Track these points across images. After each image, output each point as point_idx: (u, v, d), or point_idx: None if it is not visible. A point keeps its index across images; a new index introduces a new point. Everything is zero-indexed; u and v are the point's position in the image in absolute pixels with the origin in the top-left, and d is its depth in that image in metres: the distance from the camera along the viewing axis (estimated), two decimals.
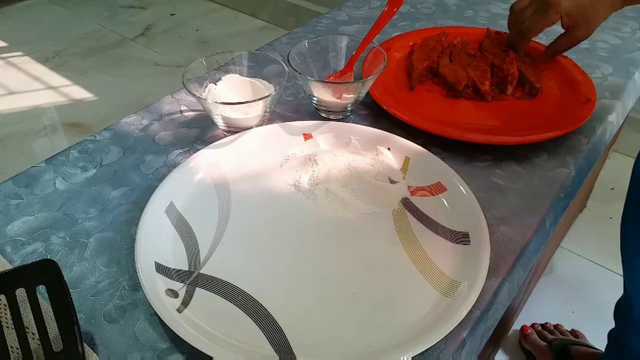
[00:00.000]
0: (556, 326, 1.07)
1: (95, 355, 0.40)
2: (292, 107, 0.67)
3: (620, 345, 0.79)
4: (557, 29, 0.69)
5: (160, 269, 0.45)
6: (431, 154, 0.55)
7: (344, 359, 0.39)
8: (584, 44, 0.81)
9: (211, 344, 0.39)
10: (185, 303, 0.42)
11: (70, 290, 0.39)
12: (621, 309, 0.77)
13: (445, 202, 0.51)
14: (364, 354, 0.39)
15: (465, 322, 0.42)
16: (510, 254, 0.48)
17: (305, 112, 0.66)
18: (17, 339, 0.37)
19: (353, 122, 0.62)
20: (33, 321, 0.37)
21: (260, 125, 0.61)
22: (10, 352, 0.37)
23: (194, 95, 0.57)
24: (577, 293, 1.18)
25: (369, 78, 0.60)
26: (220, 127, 0.61)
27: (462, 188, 0.51)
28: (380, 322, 0.42)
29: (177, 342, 0.41)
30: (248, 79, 0.63)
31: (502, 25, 0.87)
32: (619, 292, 0.76)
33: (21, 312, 0.38)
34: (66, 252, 0.48)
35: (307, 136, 0.59)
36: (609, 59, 0.78)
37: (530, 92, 0.67)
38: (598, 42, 0.82)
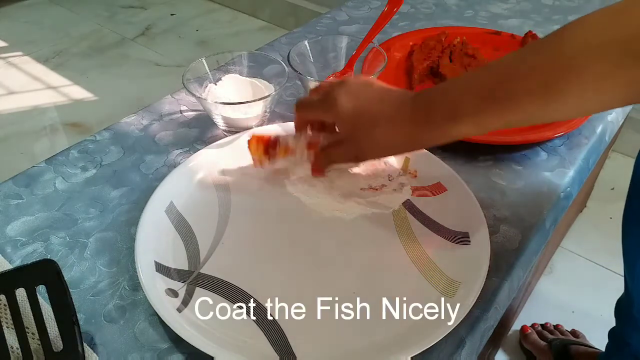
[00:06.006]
0: (556, 326, 1.07)
1: (95, 355, 0.40)
2: (292, 107, 0.67)
3: (621, 343, 0.79)
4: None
5: (160, 268, 0.45)
6: (431, 154, 0.55)
7: (344, 359, 0.39)
8: None
9: (211, 343, 0.39)
10: (185, 303, 0.42)
11: (70, 290, 0.39)
12: (622, 307, 0.77)
13: (445, 202, 0.51)
14: (364, 353, 0.39)
15: (465, 322, 0.42)
16: (510, 254, 0.48)
17: None
18: (17, 339, 0.37)
19: None
20: (33, 321, 0.37)
21: (260, 125, 0.61)
22: (10, 352, 0.37)
23: (194, 95, 0.57)
24: (577, 293, 1.18)
25: None
26: (220, 127, 0.61)
27: (462, 188, 0.51)
28: (380, 322, 0.42)
29: (177, 342, 0.41)
30: (248, 79, 0.63)
31: (502, 25, 0.87)
32: (618, 292, 0.76)
33: (21, 312, 0.38)
34: (66, 252, 0.48)
35: None
36: None
37: None
38: None
